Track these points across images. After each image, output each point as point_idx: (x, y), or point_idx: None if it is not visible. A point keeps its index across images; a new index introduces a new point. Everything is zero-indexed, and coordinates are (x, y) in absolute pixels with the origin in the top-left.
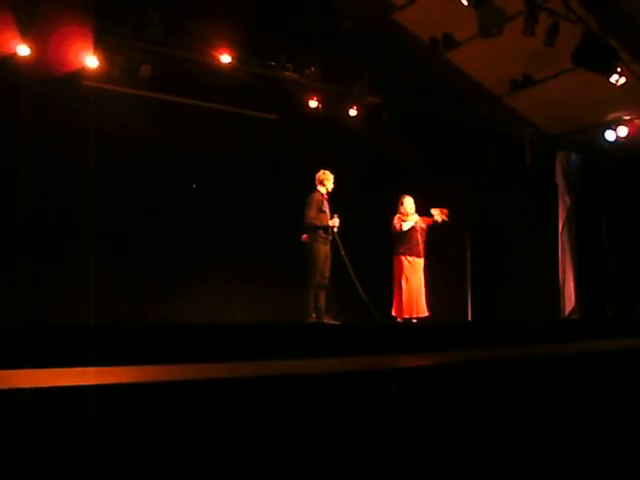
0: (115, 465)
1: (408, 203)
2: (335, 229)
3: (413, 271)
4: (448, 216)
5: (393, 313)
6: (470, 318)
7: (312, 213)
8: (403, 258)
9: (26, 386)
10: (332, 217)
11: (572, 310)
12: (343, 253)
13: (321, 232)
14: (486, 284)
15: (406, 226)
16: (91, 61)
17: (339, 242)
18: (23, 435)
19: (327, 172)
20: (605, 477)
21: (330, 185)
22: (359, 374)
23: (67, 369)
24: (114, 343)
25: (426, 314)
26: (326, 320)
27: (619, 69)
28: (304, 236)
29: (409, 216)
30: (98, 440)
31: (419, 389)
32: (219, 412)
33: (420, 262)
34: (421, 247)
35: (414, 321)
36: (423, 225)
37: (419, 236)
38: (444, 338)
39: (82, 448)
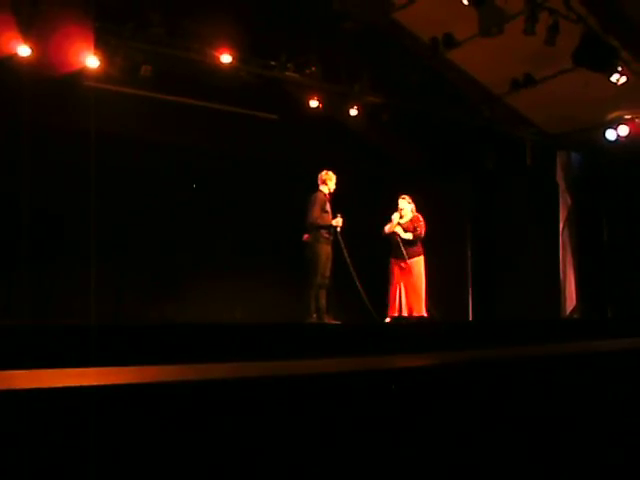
0: (116, 466)
1: (400, 204)
2: (338, 229)
3: (400, 273)
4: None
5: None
6: (471, 317)
7: (316, 212)
8: (392, 260)
9: (27, 387)
10: (335, 217)
11: (573, 309)
12: (346, 254)
13: (324, 232)
14: (486, 283)
15: (386, 229)
16: (91, 61)
17: (342, 242)
18: (25, 436)
19: (330, 172)
20: (606, 477)
21: (332, 185)
22: (360, 374)
23: (69, 369)
24: (115, 343)
25: (419, 314)
26: (327, 320)
27: (620, 68)
28: (305, 236)
29: (403, 218)
30: (99, 441)
31: (419, 389)
32: (220, 412)
33: (409, 264)
34: (405, 250)
35: (411, 320)
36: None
37: (399, 239)
38: (444, 338)
39: (83, 449)
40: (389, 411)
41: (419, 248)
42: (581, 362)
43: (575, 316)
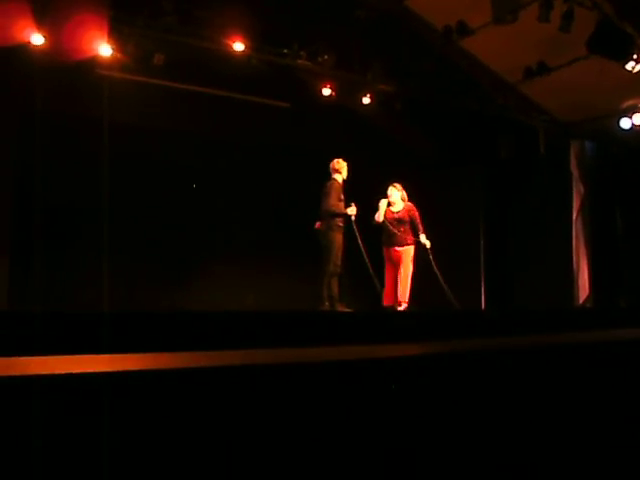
0: (128, 450)
1: (389, 192)
2: (353, 217)
3: (391, 261)
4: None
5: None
6: (483, 306)
7: (333, 200)
8: (385, 248)
9: (41, 373)
10: (348, 205)
11: (586, 299)
12: (360, 242)
13: (338, 220)
14: (499, 272)
15: (376, 217)
16: (105, 50)
17: (356, 231)
18: (39, 421)
19: (341, 160)
20: (622, 465)
21: (345, 173)
22: (372, 362)
23: (81, 356)
24: (128, 330)
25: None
26: (339, 308)
27: (635, 56)
28: (317, 224)
29: (393, 206)
30: (112, 425)
31: (431, 376)
32: (232, 399)
33: (400, 252)
34: (396, 238)
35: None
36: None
37: (392, 227)
38: (457, 326)
39: (96, 433)
40: (401, 398)
41: (412, 236)
42: (594, 351)
43: (588, 305)
